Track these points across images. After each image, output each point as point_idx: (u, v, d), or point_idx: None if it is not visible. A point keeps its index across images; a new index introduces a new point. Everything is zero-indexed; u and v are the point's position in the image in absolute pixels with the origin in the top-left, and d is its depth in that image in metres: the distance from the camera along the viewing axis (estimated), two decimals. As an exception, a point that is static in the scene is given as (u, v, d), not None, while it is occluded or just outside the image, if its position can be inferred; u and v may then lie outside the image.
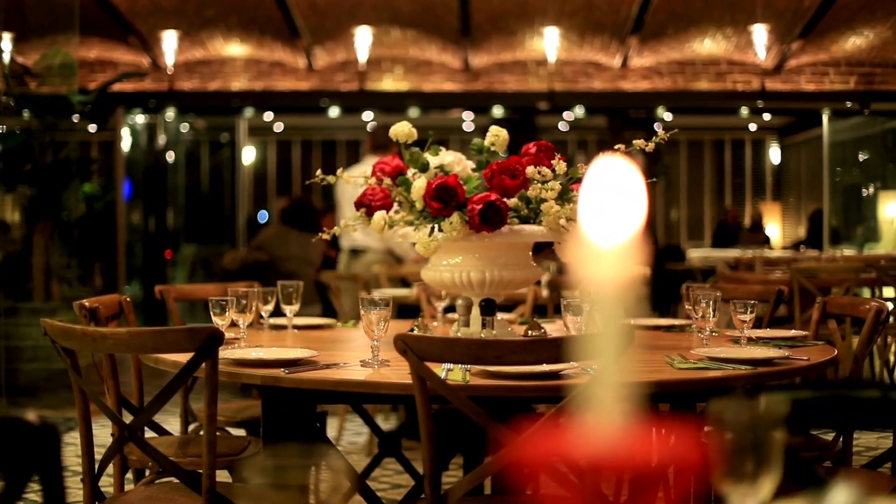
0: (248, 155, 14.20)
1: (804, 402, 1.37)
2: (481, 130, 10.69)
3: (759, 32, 8.99)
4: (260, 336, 3.27)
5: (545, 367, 2.35)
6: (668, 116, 11.63)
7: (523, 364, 2.14)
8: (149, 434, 3.30)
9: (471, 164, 3.11)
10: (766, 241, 11.65)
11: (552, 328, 3.26)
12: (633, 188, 0.57)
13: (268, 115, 12.36)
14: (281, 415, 2.64)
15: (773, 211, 14.19)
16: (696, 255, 9.32)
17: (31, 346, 6.45)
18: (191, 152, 13.22)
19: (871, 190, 11.83)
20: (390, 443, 3.42)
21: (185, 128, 12.39)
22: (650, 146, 2.96)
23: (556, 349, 2.12)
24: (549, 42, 9.03)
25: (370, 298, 2.62)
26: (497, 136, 3.05)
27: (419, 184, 2.91)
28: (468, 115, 11.58)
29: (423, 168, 3.01)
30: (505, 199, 2.87)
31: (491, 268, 2.91)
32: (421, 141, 3.14)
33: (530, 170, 2.89)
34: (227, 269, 6.78)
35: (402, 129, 3.05)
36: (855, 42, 9.27)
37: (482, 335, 2.86)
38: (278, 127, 14.00)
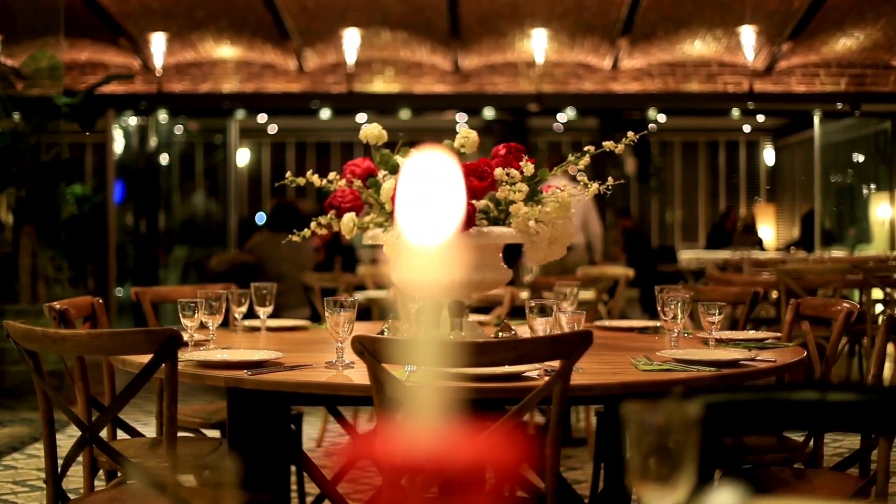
0: (243, 157, 14.23)
1: (738, 403, 1.37)
2: (477, 132, 10.61)
3: (749, 34, 9.00)
4: (233, 338, 3.27)
5: (508, 369, 2.35)
6: (662, 118, 11.64)
7: (479, 366, 2.14)
8: (122, 436, 3.30)
9: (442, 166, 3.11)
10: (759, 243, 11.64)
11: (525, 330, 3.26)
12: (452, 186, 0.57)
13: (262, 118, 12.37)
14: (246, 416, 2.64)
15: (768, 212, 14.19)
16: (687, 256, 9.32)
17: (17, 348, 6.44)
18: (185, 154, 13.23)
19: (865, 192, 11.83)
20: (364, 444, 3.42)
21: (179, 130, 12.40)
22: (620, 147, 2.96)
23: (512, 351, 2.12)
24: (538, 44, 9.03)
25: (335, 300, 2.62)
26: (467, 137, 3.04)
27: (388, 185, 2.91)
28: (462, 117, 11.58)
29: (393, 169, 3.02)
30: (473, 201, 2.87)
31: (460, 269, 2.91)
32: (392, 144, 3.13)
33: (498, 171, 2.89)
34: (215, 270, 6.78)
35: (371, 131, 3.05)
36: (845, 43, 9.27)
37: (451, 337, 2.86)
38: (272, 129, 14.01)
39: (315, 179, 3.03)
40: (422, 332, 0.58)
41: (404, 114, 10.23)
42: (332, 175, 3.03)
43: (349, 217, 2.93)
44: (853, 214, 12.15)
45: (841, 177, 12.46)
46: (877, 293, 7.03)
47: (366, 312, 5.62)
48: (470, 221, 2.80)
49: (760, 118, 12.95)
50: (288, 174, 3.06)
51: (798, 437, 3.24)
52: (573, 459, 4.95)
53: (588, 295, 5.42)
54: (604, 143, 2.99)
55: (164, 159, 11.76)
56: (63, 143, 8.86)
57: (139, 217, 10.80)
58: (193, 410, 3.75)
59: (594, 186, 2.92)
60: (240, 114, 10.89)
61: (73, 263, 8.20)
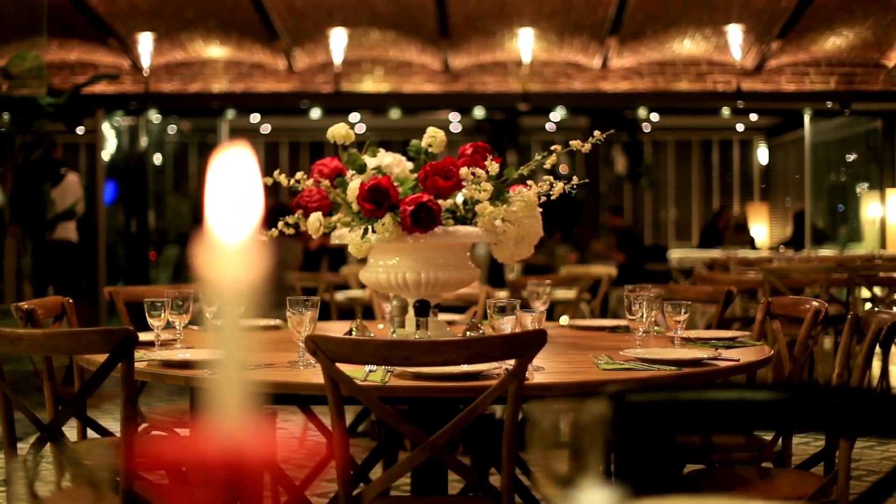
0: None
1: (660, 403, 1.38)
2: (467, 131, 10.64)
3: (738, 33, 9.00)
4: (203, 337, 3.27)
5: (467, 368, 2.35)
6: (655, 117, 11.64)
7: (431, 364, 2.15)
8: (93, 435, 3.31)
9: (410, 166, 3.11)
10: (750, 242, 11.64)
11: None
12: (249, 183, 0.58)
13: (255, 117, 12.37)
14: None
15: (761, 211, 14.19)
16: (677, 255, 9.33)
17: (2, 348, 6.43)
18: (179, 154, 13.24)
19: (858, 190, 11.83)
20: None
21: (172, 129, 12.41)
22: (586, 147, 2.96)
23: (464, 350, 2.12)
24: (525, 43, 9.04)
25: (297, 299, 2.62)
26: (434, 137, 3.05)
27: (354, 185, 2.91)
28: (455, 117, 11.59)
29: (361, 169, 3.02)
30: (439, 201, 2.87)
31: (426, 269, 2.92)
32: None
33: (464, 171, 2.89)
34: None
35: (339, 131, 3.05)
36: (835, 42, 9.27)
37: (416, 336, 2.86)
38: (266, 129, 14.01)
39: (282, 179, 3.03)
40: (221, 330, 0.59)
41: (395, 113, 10.23)
42: (299, 175, 3.04)
43: (315, 217, 2.93)
44: (844, 213, 12.15)
45: (832, 176, 12.47)
46: (873, 291, 6.98)
47: (352, 312, 5.62)
48: (434, 221, 2.80)
49: (753, 117, 12.95)
50: (255, 174, 3.06)
51: (767, 436, 3.24)
52: (553, 459, 4.94)
53: (569, 294, 5.42)
54: (571, 143, 3.00)
55: (157, 159, 11.77)
56: (58, 144, 8.85)
57: (129, 217, 10.81)
58: (167, 410, 3.75)
59: (559, 186, 2.92)
60: (230, 113, 10.89)
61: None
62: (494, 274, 7.33)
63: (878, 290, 6.90)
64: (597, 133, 2.96)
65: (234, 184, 0.56)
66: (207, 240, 0.55)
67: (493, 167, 2.90)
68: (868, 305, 7.32)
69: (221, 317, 0.58)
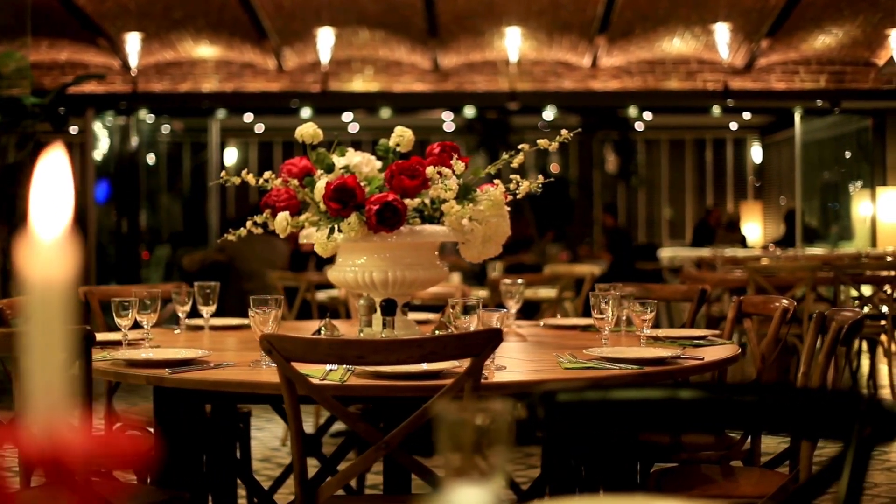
0: (230, 156, 14.24)
1: (589, 403, 1.38)
2: (460, 131, 10.61)
3: (726, 32, 9.00)
4: (173, 336, 3.27)
5: (427, 367, 2.35)
6: (648, 116, 11.65)
7: (386, 363, 2.15)
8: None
9: (380, 165, 3.11)
10: (741, 240, 11.64)
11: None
12: (60, 181, 0.58)
13: (248, 117, 12.38)
14: (172, 414, 2.66)
15: (755, 209, 14.19)
16: (666, 254, 9.33)
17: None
18: (172, 154, 13.25)
19: (851, 189, 11.83)
20: (310, 444, 3.43)
21: (166, 129, 12.42)
22: (553, 146, 2.96)
23: (418, 349, 2.12)
24: (513, 42, 9.04)
25: (260, 298, 2.63)
26: (402, 136, 3.05)
27: (320, 184, 2.92)
28: (448, 116, 11.60)
29: (329, 169, 3.02)
30: (405, 200, 2.87)
31: (394, 268, 2.92)
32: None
33: (430, 170, 2.89)
34: (186, 270, 6.79)
35: (307, 130, 3.05)
36: (824, 40, 9.27)
37: (382, 335, 2.86)
38: (259, 128, 14.02)
39: (250, 179, 3.04)
40: (32, 327, 0.59)
41: (387, 112, 10.23)
42: (267, 174, 3.04)
43: (282, 216, 2.93)
44: (836, 212, 12.16)
45: (823, 174, 12.47)
46: (865, 290, 6.96)
47: (335, 312, 5.62)
48: (400, 220, 2.81)
49: (747, 116, 12.96)
50: (223, 173, 3.07)
51: (735, 434, 3.24)
52: (535, 458, 4.95)
53: (551, 293, 5.43)
54: (538, 142, 3.00)
55: (150, 159, 11.78)
56: (50, 143, 8.84)
57: (120, 217, 10.82)
58: (142, 409, 3.76)
59: (525, 185, 2.92)
60: (220, 113, 10.89)
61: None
62: (482, 273, 7.36)
63: (866, 289, 6.89)
64: (564, 132, 2.96)
65: (49, 183, 0.57)
66: (28, 237, 0.56)
67: (459, 166, 2.90)
68: (856, 304, 7.31)
69: (34, 314, 0.59)
